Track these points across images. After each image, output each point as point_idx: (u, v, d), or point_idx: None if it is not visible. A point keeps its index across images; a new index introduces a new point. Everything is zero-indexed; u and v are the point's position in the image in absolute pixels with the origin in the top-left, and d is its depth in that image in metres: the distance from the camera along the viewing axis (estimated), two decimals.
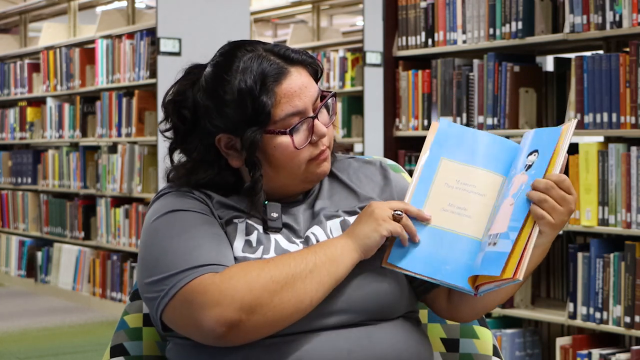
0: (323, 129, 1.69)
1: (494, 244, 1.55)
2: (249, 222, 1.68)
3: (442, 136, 1.66)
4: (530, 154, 1.60)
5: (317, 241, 1.68)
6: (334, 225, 1.72)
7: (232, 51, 1.70)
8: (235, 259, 1.63)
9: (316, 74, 1.74)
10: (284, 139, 1.66)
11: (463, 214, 1.61)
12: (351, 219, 1.71)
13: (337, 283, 1.60)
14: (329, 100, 1.73)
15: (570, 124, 1.58)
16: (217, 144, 1.70)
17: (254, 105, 1.64)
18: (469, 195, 1.62)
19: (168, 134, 1.75)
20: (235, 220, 1.68)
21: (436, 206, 1.62)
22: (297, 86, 1.67)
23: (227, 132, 1.68)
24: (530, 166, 1.58)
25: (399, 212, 1.61)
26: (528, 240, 1.52)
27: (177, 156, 1.77)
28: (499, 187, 1.63)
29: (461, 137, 1.66)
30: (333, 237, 1.66)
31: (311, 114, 1.68)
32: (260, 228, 1.68)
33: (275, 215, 1.70)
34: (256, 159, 1.67)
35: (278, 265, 1.57)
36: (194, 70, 1.75)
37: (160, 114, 1.79)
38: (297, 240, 1.69)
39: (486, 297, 1.69)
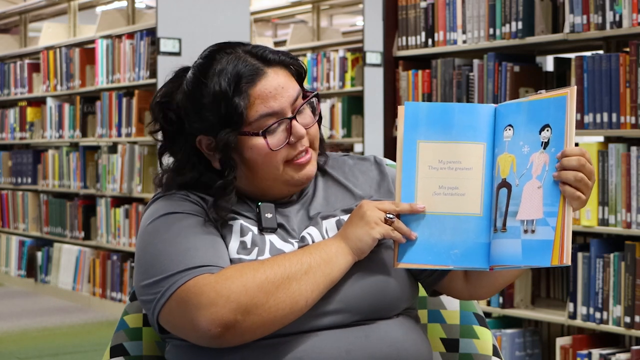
0: (302, 130, 1.68)
1: (532, 231, 1.53)
2: (244, 223, 1.68)
3: (412, 119, 1.62)
4: (542, 129, 1.55)
5: (313, 241, 1.67)
6: (329, 224, 1.71)
7: (212, 54, 1.71)
8: (230, 260, 1.63)
9: (299, 75, 1.73)
10: (259, 141, 1.66)
11: (456, 194, 1.60)
12: (347, 218, 1.71)
13: (332, 284, 1.60)
14: (313, 101, 1.73)
15: (570, 90, 1.53)
16: (198, 145, 1.70)
17: (228, 107, 1.64)
18: (456, 173, 1.60)
19: (158, 136, 1.76)
20: (230, 222, 1.68)
21: (427, 192, 1.60)
22: (273, 87, 1.67)
23: (206, 133, 1.68)
24: (547, 143, 1.54)
25: (391, 216, 1.60)
26: (565, 223, 1.51)
27: (168, 160, 1.77)
28: (483, 155, 1.60)
29: (431, 115, 1.62)
30: (327, 239, 1.66)
31: (289, 115, 1.68)
32: (254, 229, 1.68)
33: (269, 215, 1.70)
34: (232, 160, 1.67)
35: (273, 266, 1.57)
36: (182, 73, 1.75)
37: None
38: (293, 240, 1.69)
39: (505, 273, 1.69)
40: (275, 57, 1.70)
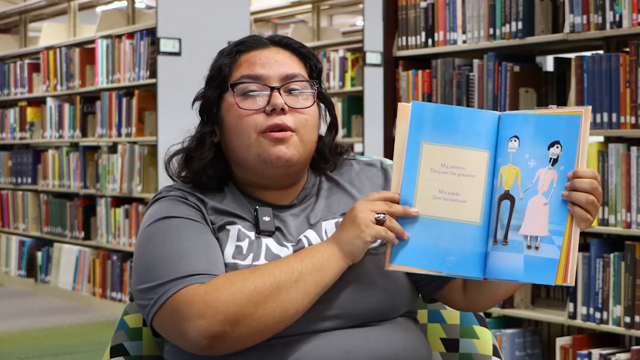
0: (279, 101, 1.67)
1: (536, 248, 1.51)
2: (242, 229, 1.68)
3: (418, 119, 1.59)
4: (552, 145, 1.53)
5: (310, 244, 1.67)
6: (329, 226, 1.71)
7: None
8: (226, 265, 1.63)
9: (314, 71, 1.75)
10: (232, 99, 1.69)
11: (456, 200, 1.57)
12: None
13: (324, 290, 1.59)
14: (316, 88, 1.72)
15: (585, 110, 1.52)
16: (199, 114, 1.75)
17: (215, 66, 1.72)
18: (458, 179, 1.57)
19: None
20: (228, 227, 1.68)
21: (427, 195, 1.57)
22: (265, 57, 1.70)
23: (202, 97, 1.75)
24: (555, 160, 1.53)
25: (382, 215, 1.57)
26: (571, 243, 1.50)
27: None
28: (486, 163, 1.57)
29: (437, 117, 1.59)
30: (320, 243, 1.64)
31: (273, 85, 1.69)
32: (251, 235, 1.68)
33: (267, 218, 1.69)
34: (214, 116, 1.72)
35: (263, 275, 1.55)
36: None
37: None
38: (288, 244, 1.68)
39: (504, 286, 1.68)
40: (284, 40, 1.74)
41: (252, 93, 1.69)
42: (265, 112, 1.67)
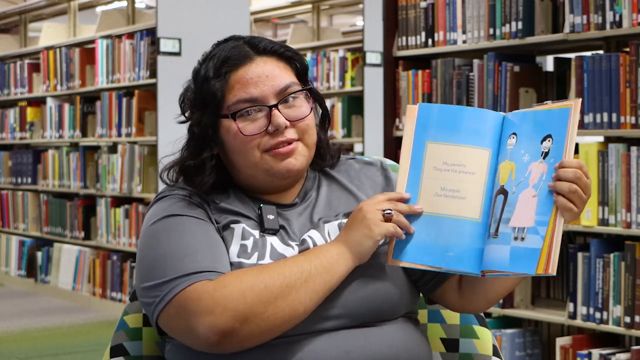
0: (281, 119, 1.67)
1: (522, 239, 1.53)
2: (246, 227, 1.68)
3: (424, 120, 1.63)
4: (544, 139, 1.56)
5: (315, 244, 1.67)
6: (331, 227, 1.71)
7: (218, 43, 1.74)
8: (231, 264, 1.63)
9: (301, 71, 1.74)
10: (232, 124, 1.67)
11: (457, 197, 1.60)
12: None
13: (331, 291, 1.60)
14: (308, 94, 1.72)
15: (574, 103, 1.54)
16: (192, 130, 1.73)
17: (207, 89, 1.68)
18: (459, 176, 1.60)
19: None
20: (233, 225, 1.68)
21: (429, 193, 1.61)
22: (255, 74, 1.68)
23: (194, 117, 1.72)
24: (547, 153, 1.55)
25: (389, 211, 1.60)
26: (554, 233, 1.51)
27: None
28: (487, 161, 1.60)
29: (441, 117, 1.63)
30: (328, 243, 1.65)
31: (271, 103, 1.67)
32: (256, 233, 1.68)
33: (271, 217, 1.69)
34: (212, 140, 1.69)
35: (273, 274, 1.56)
36: None
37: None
38: (293, 244, 1.68)
39: (497, 285, 1.69)
40: (268, 46, 1.71)
41: (250, 114, 1.68)
42: (267, 132, 1.67)
